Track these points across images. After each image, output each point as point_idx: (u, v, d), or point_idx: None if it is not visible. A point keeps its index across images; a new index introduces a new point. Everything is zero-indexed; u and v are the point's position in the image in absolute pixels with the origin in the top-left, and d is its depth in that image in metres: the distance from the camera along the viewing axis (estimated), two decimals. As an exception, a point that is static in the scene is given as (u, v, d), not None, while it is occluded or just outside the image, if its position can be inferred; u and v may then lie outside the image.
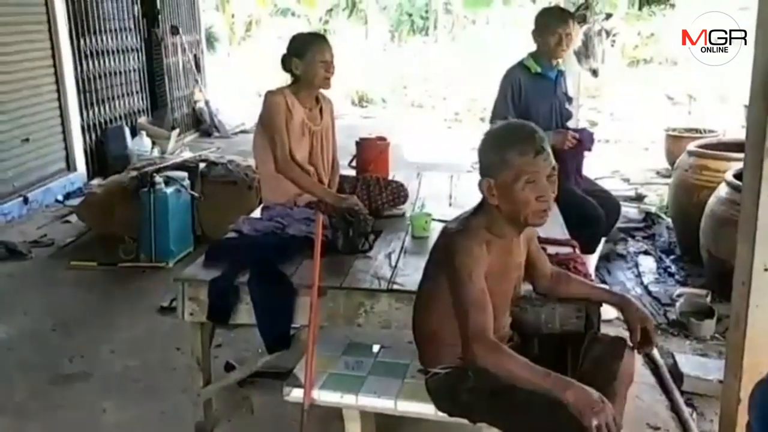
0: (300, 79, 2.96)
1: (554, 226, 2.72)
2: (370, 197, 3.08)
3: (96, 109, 6.73)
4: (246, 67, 11.83)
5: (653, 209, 5.28)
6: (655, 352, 3.07)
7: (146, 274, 4.20)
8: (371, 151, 3.53)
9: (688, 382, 2.86)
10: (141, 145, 6.87)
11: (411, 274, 2.32)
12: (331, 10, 15.02)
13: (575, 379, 1.71)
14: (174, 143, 7.40)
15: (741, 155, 2.04)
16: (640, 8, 11.93)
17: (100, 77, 6.79)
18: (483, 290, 1.77)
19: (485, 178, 1.82)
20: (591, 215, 3.36)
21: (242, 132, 8.79)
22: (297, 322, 2.30)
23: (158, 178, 4.30)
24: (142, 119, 7.59)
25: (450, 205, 3.25)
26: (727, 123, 7.07)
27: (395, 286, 2.28)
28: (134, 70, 7.56)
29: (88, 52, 6.56)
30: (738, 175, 3.45)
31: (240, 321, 2.36)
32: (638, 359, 2.23)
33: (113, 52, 7.05)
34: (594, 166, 4.49)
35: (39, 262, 4.50)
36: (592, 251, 3.50)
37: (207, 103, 9.03)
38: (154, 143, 7.09)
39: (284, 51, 2.98)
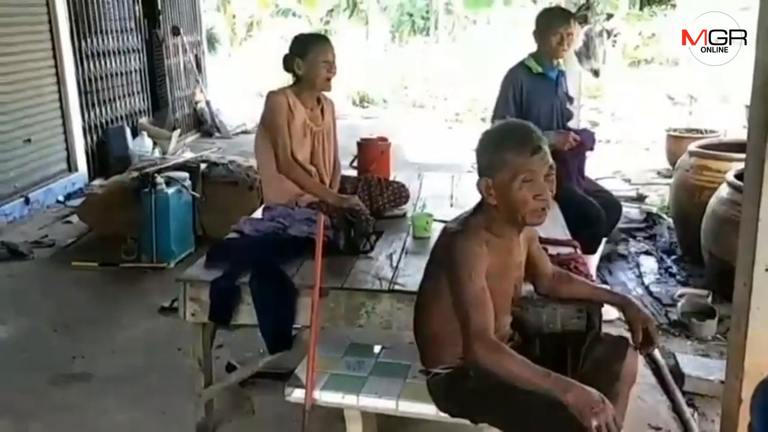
0: (302, 80, 2.96)
1: (555, 227, 2.72)
2: (371, 198, 3.08)
3: (97, 110, 6.73)
4: (247, 68, 11.85)
5: (654, 209, 5.28)
6: (657, 353, 3.06)
7: (147, 274, 4.20)
8: (372, 152, 3.53)
9: (690, 383, 2.86)
10: (142, 146, 6.87)
11: (412, 274, 2.33)
12: (332, 10, 15.03)
13: (576, 379, 1.71)
14: (175, 144, 7.41)
15: (742, 155, 2.04)
16: (641, 8, 11.92)
17: (101, 78, 6.80)
18: (483, 289, 1.77)
19: (483, 178, 1.82)
20: (592, 215, 3.36)
21: (243, 132, 8.80)
22: (298, 322, 2.30)
23: (159, 179, 4.30)
24: (144, 120, 7.60)
25: (451, 205, 3.25)
26: (728, 123, 7.06)
27: (396, 287, 2.28)
28: (135, 71, 7.56)
29: (90, 53, 6.57)
30: (739, 176, 3.45)
31: (241, 321, 2.36)
32: (640, 360, 2.22)
33: (114, 53, 7.06)
34: (595, 167, 4.49)
35: (40, 262, 4.50)
36: (593, 251, 3.50)
37: (208, 103, 9.04)
38: (155, 144, 7.10)
39: (286, 51, 2.99)
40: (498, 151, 1.80)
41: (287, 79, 3.07)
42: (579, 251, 2.55)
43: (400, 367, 2.19)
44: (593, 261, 3.57)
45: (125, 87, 7.30)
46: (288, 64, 2.96)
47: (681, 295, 3.67)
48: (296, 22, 13.74)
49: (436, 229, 2.62)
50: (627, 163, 6.98)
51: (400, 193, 3.16)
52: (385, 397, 2.06)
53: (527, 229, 1.96)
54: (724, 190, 3.71)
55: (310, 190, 2.96)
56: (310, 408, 2.09)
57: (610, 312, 2.51)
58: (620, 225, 4.27)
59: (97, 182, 6.21)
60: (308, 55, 2.91)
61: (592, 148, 3.60)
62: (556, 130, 3.49)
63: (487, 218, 1.86)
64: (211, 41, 11.96)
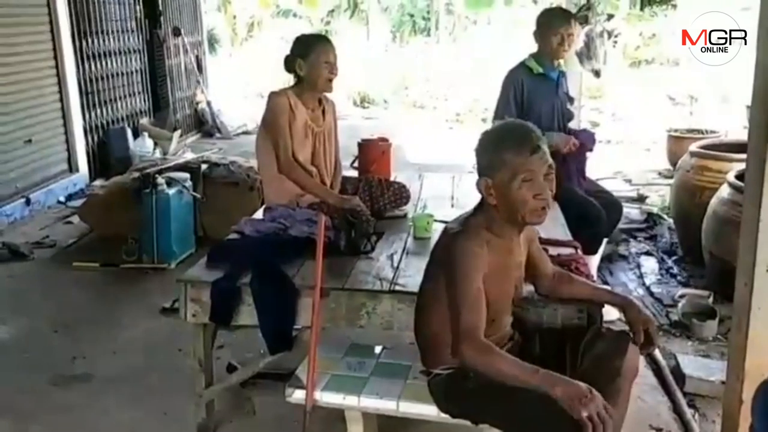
0: (303, 80, 2.96)
1: (556, 227, 2.73)
2: (372, 198, 3.08)
3: (98, 111, 6.74)
4: (248, 68, 11.86)
5: (655, 210, 5.28)
6: (658, 353, 3.06)
7: (148, 275, 4.20)
8: (373, 152, 3.53)
9: (690, 384, 2.86)
10: (143, 146, 6.88)
11: (413, 275, 2.33)
12: (332, 11, 15.04)
13: (577, 376, 1.71)
14: (176, 144, 7.41)
15: (743, 156, 2.04)
16: (641, 9, 11.91)
17: (102, 78, 6.81)
18: (479, 290, 1.78)
19: (483, 178, 1.83)
20: (592, 215, 3.36)
21: (244, 133, 8.81)
22: (299, 323, 2.30)
23: (160, 180, 4.30)
24: (144, 120, 7.60)
25: (452, 206, 3.25)
26: (728, 123, 7.06)
27: (397, 288, 2.28)
28: (136, 72, 7.57)
29: (91, 54, 6.57)
30: (740, 176, 3.45)
31: (242, 322, 2.36)
32: (641, 360, 2.22)
33: (115, 54, 7.06)
34: (596, 167, 4.49)
35: (41, 263, 4.50)
36: (594, 252, 3.50)
37: (209, 104, 9.04)
38: (156, 144, 7.10)
39: (287, 52, 2.99)
40: (497, 151, 1.80)
41: (288, 79, 3.07)
42: (580, 252, 2.55)
43: (401, 367, 2.19)
44: (594, 261, 3.57)
45: (126, 87, 7.31)
46: (289, 64, 2.96)
47: (682, 296, 3.67)
48: (297, 23, 13.76)
49: (437, 230, 2.62)
50: (628, 163, 6.98)
51: (401, 194, 3.16)
52: (386, 398, 2.06)
53: (527, 230, 1.96)
54: (724, 191, 3.71)
55: (311, 190, 2.96)
56: (311, 409, 2.09)
57: (610, 312, 2.51)
58: (621, 225, 4.27)
59: (98, 183, 6.20)
60: (310, 56, 2.91)
61: (592, 149, 3.61)
62: (556, 130, 3.49)
63: (488, 218, 1.86)
64: (212, 42, 11.98)
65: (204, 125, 9.07)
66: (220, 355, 2.97)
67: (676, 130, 6.74)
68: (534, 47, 3.54)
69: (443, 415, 1.98)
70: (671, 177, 5.16)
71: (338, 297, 2.28)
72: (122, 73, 7.21)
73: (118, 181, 5.00)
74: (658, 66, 11.72)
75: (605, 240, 3.71)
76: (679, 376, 2.91)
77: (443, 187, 3.62)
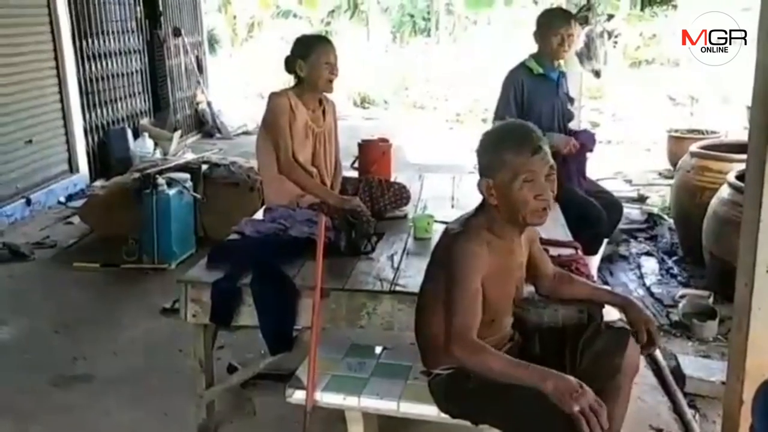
0: (304, 81, 2.96)
1: (557, 228, 2.73)
2: (372, 199, 3.08)
3: (98, 111, 6.74)
4: (248, 69, 11.86)
5: (655, 210, 5.28)
6: (658, 354, 3.06)
7: (148, 275, 4.20)
8: (373, 153, 3.53)
9: (691, 384, 2.86)
10: (143, 147, 6.88)
11: (413, 275, 2.33)
12: (332, 11, 15.05)
13: (577, 374, 1.70)
14: (176, 145, 7.41)
15: (743, 156, 2.04)
16: (641, 9, 11.92)
17: (102, 79, 6.81)
18: (477, 291, 1.78)
19: (484, 178, 1.83)
20: (593, 216, 3.36)
21: (244, 133, 8.81)
22: (299, 323, 2.30)
23: (160, 180, 4.30)
24: (145, 121, 7.60)
25: (452, 206, 3.25)
26: (729, 124, 7.06)
27: (398, 288, 2.28)
28: (136, 72, 7.57)
29: (91, 54, 6.57)
30: (740, 176, 3.44)
31: (242, 323, 2.36)
32: (641, 360, 2.22)
33: (116, 54, 7.06)
34: (596, 168, 4.49)
35: (41, 263, 4.50)
36: (594, 252, 3.50)
37: (209, 104, 9.05)
38: (156, 145, 7.11)
39: (287, 53, 2.99)
40: (498, 152, 1.80)
41: (288, 80, 3.07)
42: (580, 252, 2.55)
43: (402, 368, 2.19)
44: (594, 262, 3.57)
45: (126, 88, 7.31)
46: (290, 65, 2.96)
47: (682, 296, 3.67)
48: (297, 23, 13.77)
49: (437, 231, 2.62)
50: (628, 163, 6.98)
51: (401, 194, 3.16)
52: (386, 398, 2.06)
53: (528, 230, 1.96)
54: (725, 191, 3.71)
55: (311, 191, 2.96)
56: (311, 409, 2.09)
57: (611, 313, 2.51)
58: (621, 226, 4.28)
59: (98, 183, 6.21)
60: (310, 57, 2.91)
61: (592, 149, 3.61)
62: (556, 131, 3.49)
63: (489, 219, 1.86)
64: (212, 42, 11.99)
65: (204, 126, 9.07)
66: (220, 355, 2.97)
67: (676, 131, 6.74)
68: (534, 48, 3.55)
69: (443, 415, 1.97)
70: (671, 177, 5.16)
71: (338, 297, 2.28)
72: (122, 74, 7.21)
73: (118, 182, 5.00)
74: (659, 66, 11.72)
75: (605, 240, 3.71)
76: (680, 376, 2.91)
77: (443, 187, 3.62)
